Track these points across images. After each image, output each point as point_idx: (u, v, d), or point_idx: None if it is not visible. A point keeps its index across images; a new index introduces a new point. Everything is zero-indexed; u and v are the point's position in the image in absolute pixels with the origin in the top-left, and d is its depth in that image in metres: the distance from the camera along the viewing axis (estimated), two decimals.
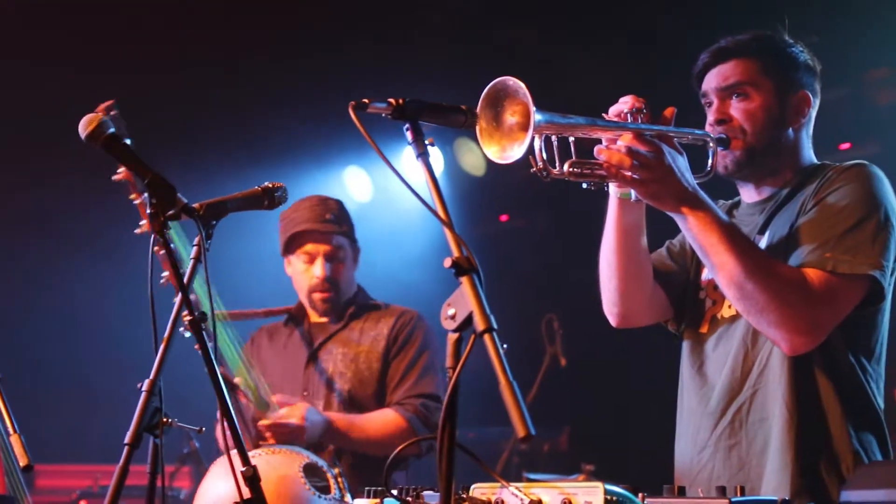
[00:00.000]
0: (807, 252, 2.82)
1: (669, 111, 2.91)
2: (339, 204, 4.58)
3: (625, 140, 2.77)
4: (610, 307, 3.18)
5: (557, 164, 2.75)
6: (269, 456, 3.72)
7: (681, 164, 2.82)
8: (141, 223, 3.74)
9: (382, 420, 4.26)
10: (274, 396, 4.14)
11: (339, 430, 4.18)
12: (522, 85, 2.51)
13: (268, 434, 4.03)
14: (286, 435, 4.02)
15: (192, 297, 3.65)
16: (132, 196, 3.77)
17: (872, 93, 6.32)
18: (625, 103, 2.87)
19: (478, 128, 2.52)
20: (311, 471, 3.71)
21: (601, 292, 3.19)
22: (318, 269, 4.42)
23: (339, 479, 3.81)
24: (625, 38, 6.41)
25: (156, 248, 3.64)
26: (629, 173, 2.77)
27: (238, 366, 4.16)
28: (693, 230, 2.83)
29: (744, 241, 2.83)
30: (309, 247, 4.45)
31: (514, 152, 2.55)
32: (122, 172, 3.75)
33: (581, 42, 6.54)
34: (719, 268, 2.80)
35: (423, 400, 4.32)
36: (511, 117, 2.57)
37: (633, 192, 2.90)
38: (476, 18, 6.64)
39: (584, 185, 2.85)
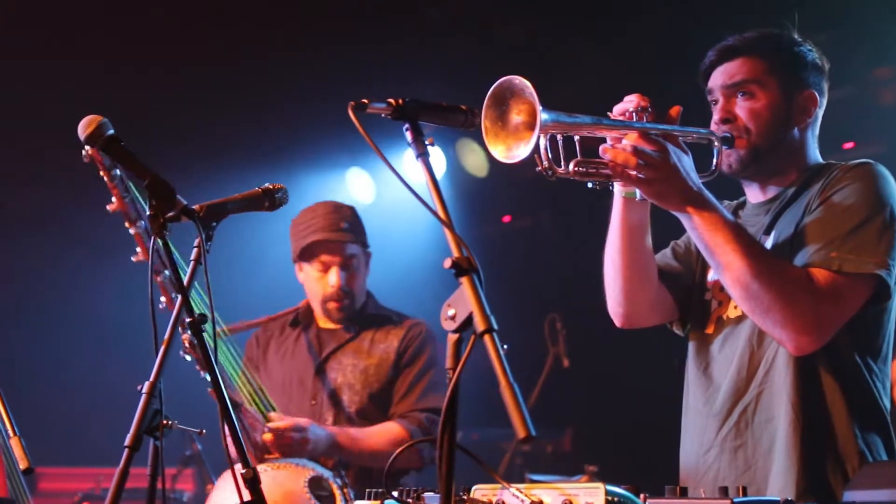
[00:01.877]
0: (812, 251, 2.80)
1: (675, 110, 2.90)
2: (353, 211, 4.56)
3: (630, 139, 2.76)
4: (614, 307, 3.17)
5: (563, 164, 2.75)
6: (274, 471, 3.71)
7: (686, 163, 2.81)
8: (137, 251, 3.73)
9: (386, 433, 4.24)
10: (273, 415, 4.10)
11: (342, 444, 4.15)
12: (528, 84, 2.51)
13: (272, 447, 4.01)
14: (290, 448, 4.00)
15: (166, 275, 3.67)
16: (127, 225, 3.76)
17: (877, 92, 6.31)
18: (630, 102, 2.86)
19: (483, 127, 2.52)
20: (316, 484, 3.70)
21: (606, 292, 3.18)
22: (334, 279, 4.41)
23: (345, 490, 3.80)
24: (629, 36, 6.40)
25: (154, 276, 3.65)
26: (634, 172, 2.76)
27: (241, 382, 4.14)
28: (698, 229, 2.82)
29: (749, 241, 2.81)
30: (324, 257, 4.43)
31: (520, 151, 2.55)
32: (114, 203, 3.72)
33: (585, 39, 6.54)
34: (724, 267, 2.79)
35: (427, 414, 4.30)
36: (517, 116, 2.56)
37: (637, 192, 2.89)
38: (478, 17, 6.63)
39: (590, 185, 2.85)
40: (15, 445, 2.66)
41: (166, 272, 3.71)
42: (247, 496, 2.42)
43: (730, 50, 3.08)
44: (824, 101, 3.10)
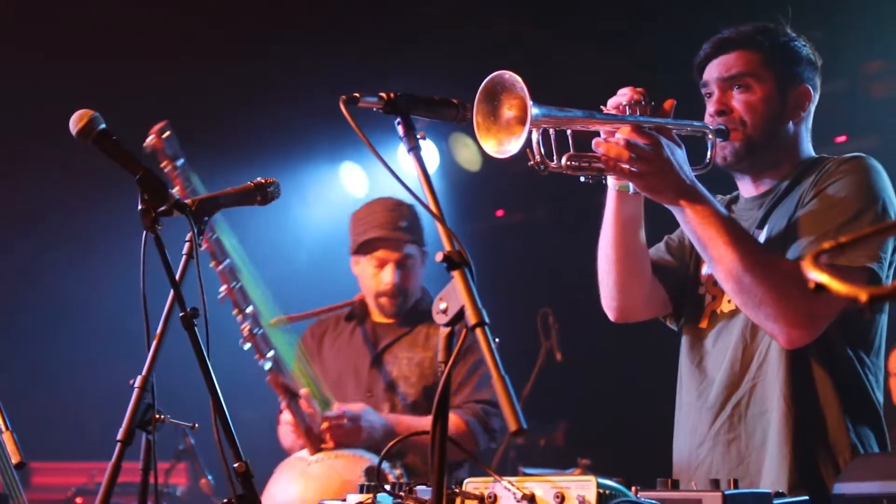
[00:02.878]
0: (804, 244, 2.81)
1: (669, 103, 2.90)
2: (412, 210, 4.57)
3: (623, 132, 2.76)
4: (608, 301, 3.17)
5: (555, 158, 2.75)
6: (330, 460, 3.73)
7: (679, 156, 2.81)
8: (174, 189, 3.76)
9: None
10: (335, 405, 4.12)
11: (399, 432, 4.15)
12: (519, 79, 2.51)
13: (327, 436, 4.02)
14: (344, 437, 4.01)
15: (250, 310, 3.72)
16: (163, 164, 3.82)
17: (869, 85, 6.32)
18: (623, 95, 2.86)
19: (475, 122, 2.52)
20: (373, 473, 3.71)
21: (599, 286, 3.18)
22: (388, 276, 4.43)
23: (402, 481, 3.81)
24: (625, 31, 6.40)
25: (213, 265, 3.70)
26: (627, 166, 2.76)
27: (299, 372, 4.16)
28: (691, 223, 2.82)
29: (742, 235, 2.82)
30: (380, 253, 4.45)
31: (512, 146, 2.55)
32: (153, 139, 3.80)
33: (580, 34, 6.53)
34: (717, 261, 2.79)
35: (482, 405, 4.32)
36: (508, 111, 2.56)
37: (631, 185, 2.90)
38: (473, 13, 6.62)
39: (582, 179, 2.85)
40: (7, 440, 2.66)
41: (227, 261, 3.76)
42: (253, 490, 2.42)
43: (726, 42, 3.08)
44: (817, 96, 3.11)
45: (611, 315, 3.21)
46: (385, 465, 3.83)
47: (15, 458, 2.64)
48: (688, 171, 2.83)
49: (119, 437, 2.39)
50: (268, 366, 3.91)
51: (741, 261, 2.75)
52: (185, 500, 6.41)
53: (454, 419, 4.26)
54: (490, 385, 4.30)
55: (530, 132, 2.56)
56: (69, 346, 7.08)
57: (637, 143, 2.75)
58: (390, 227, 4.44)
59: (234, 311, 3.91)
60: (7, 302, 6.99)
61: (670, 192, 2.81)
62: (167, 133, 3.81)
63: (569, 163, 2.77)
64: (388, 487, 2.33)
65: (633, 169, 2.77)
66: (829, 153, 3.08)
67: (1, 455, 3.01)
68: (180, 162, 3.81)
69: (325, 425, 4.01)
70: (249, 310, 3.90)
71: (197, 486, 6.24)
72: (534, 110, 2.52)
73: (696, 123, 2.99)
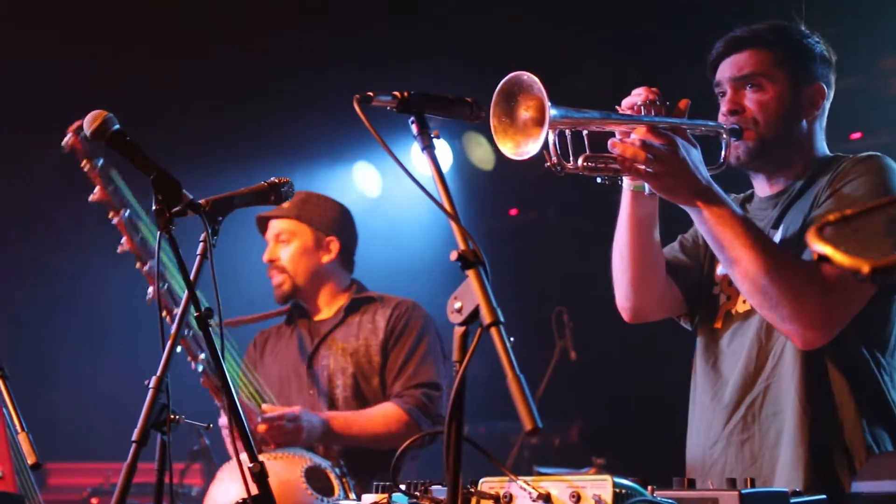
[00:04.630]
0: None
1: (683, 103, 2.90)
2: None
3: (638, 133, 2.75)
4: (623, 302, 3.17)
5: (571, 159, 2.74)
6: (270, 462, 3.72)
7: (695, 156, 2.80)
8: (122, 241, 3.77)
9: (383, 414, 4.24)
10: (266, 406, 4.11)
11: (337, 429, 4.16)
12: (537, 80, 2.50)
13: (267, 437, 4.02)
14: (284, 438, 4.01)
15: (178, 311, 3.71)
16: (111, 215, 3.79)
17: (885, 82, 6.29)
18: (638, 95, 2.85)
19: (491, 124, 2.52)
20: (313, 474, 3.69)
21: (614, 287, 3.18)
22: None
23: (344, 480, 3.80)
24: (636, 28, 6.38)
25: (138, 266, 3.66)
26: (643, 166, 2.75)
27: (238, 375, 4.16)
28: (707, 224, 2.81)
29: (758, 236, 2.80)
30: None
31: (530, 148, 2.54)
32: (96, 193, 3.76)
33: (591, 33, 6.52)
34: (733, 262, 2.78)
35: (423, 390, 4.29)
36: (525, 112, 2.56)
37: (646, 185, 2.89)
38: (488, 11, 6.61)
39: (598, 180, 2.84)
40: (23, 441, 2.66)
41: (150, 261, 3.73)
42: (254, 490, 2.42)
43: (738, 41, 3.07)
44: (832, 94, 3.09)
45: (625, 315, 3.20)
46: (327, 465, 3.82)
47: (31, 459, 2.64)
48: (703, 172, 2.82)
49: (134, 437, 2.39)
50: (200, 368, 3.88)
51: (758, 262, 2.73)
52: (199, 500, 6.41)
53: (393, 409, 4.25)
54: (430, 363, 4.33)
55: (548, 133, 2.56)
56: (84, 347, 7.10)
57: (653, 143, 2.74)
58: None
59: (163, 314, 3.79)
60: (23, 303, 7.01)
61: (686, 192, 2.80)
62: (83, 133, 3.77)
63: (585, 164, 2.76)
64: (402, 487, 2.32)
65: (648, 169, 2.76)
66: (845, 150, 3.07)
67: (17, 455, 3.02)
68: (99, 161, 3.74)
69: (263, 427, 4.00)
70: (176, 311, 3.88)
71: None
72: (552, 112, 2.52)
73: (710, 123, 2.98)
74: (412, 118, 2.21)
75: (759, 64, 3.02)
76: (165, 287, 3.78)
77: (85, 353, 7.10)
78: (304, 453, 3.84)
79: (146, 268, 3.81)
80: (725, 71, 3.07)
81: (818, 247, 1.29)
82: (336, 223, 4.62)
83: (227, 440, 4.24)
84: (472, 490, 2.18)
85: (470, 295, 1.91)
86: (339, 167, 7.67)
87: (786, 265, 2.75)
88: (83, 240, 6.93)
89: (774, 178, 3.10)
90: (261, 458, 3.75)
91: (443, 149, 7.32)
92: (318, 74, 6.77)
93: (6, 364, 2.79)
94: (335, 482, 3.74)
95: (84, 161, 3.75)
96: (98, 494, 6.29)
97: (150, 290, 3.81)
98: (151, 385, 2.43)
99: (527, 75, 2.52)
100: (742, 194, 3.23)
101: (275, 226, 4.57)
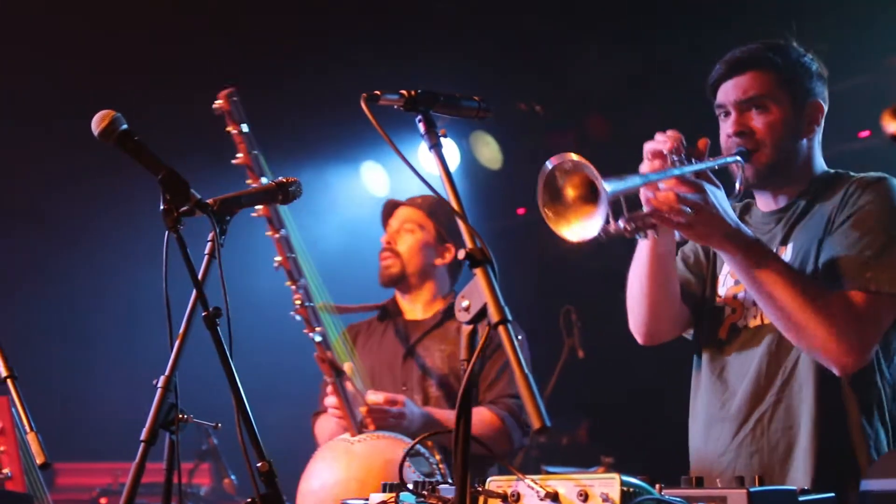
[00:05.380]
0: (846, 274, 2.84)
1: (703, 143, 2.94)
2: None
3: (668, 185, 2.78)
4: (639, 327, 3.22)
5: (611, 221, 2.73)
6: (374, 441, 3.79)
7: (721, 199, 2.85)
8: (238, 155, 3.86)
9: (478, 417, 4.24)
10: (370, 391, 4.15)
11: (437, 423, 4.17)
12: (586, 162, 2.52)
13: (368, 420, 4.04)
14: (387, 421, 4.03)
15: (302, 283, 3.78)
16: (228, 128, 3.88)
17: (892, 80, 6.28)
18: (663, 143, 2.87)
19: (544, 214, 2.56)
20: (414, 456, 3.75)
21: (628, 312, 3.22)
22: None
23: (441, 466, 3.85)
24: (639, 28, 6.37)
25: (269, 233, 3.70)
26: (678, 219, 2.78)
27: (345, 355, 4.20)
28: (741, 266, 2.86)
29: (791, 273, 2.85)
30: None
31: (590, 229, 2.57)
32: (240, 157, 3.88)
33: (597, 31, 6.51)
34: (767, 300, 2.84)
35: (515, 400, 4.32)
36: (571, 191, 2.58)
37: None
38: (493, 10, 6.61)
39: (638, 237, 2.88)
40: (32, 440, 2.66)
41: (283, 230, 3.81)
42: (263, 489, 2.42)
43: (739, 63, 3.09)
44: (826, 109, 3.11)
45: (639, 339, 3.27)
46: (425, 451, 3.86)
47: (40, 459, 2.64)
48: (731, 214, 2.87)
49: (142, 437, 2.39)
50: (318, 339, 3.95)
51: (794, 300, 2.79)
52: (208, 500, 6.43)
53: (489, 415, 4.29)
54: None
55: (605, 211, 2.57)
56: (93, 347, 7.12)
57: (686, 195, 2.78)
58: None
59: (288, 282, 3.94)
60: (30, 303, 7.02)
61: (719, 237, 2.85)
62: (235, 98, 3.86)
63: (626, 226, 2.78)
64: (410, 486, 2.32)
65: (681, 221, 2.79)
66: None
67: (26, 455, 3.02)
68: (245, 127, 3.87)
69: (366, 409, 4.03)
70: (302, 282, 3.93)
71: (220, 486, 6.27)
72: (608, 187, 2.53)
73: (728, 159, 3.02)
74: (419, 117, 2.21)
75: (763, 86, 3.05)
76: (293, 257, 3.90)
77: (92, 353, 7.12)
78: (404, 438, 3.88)
79: (277, 235, 3.89)
80: (730, 94, 3.09)
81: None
82: (459, 234, 4.65)
83: (322, 430, 4.28)
84: (480, 489, 2.18)
85: (478, 293, 1.91)
86: (347, 167, 7.67)
87: (819, 299, 2.81)
88: (94, 240, 6.97)
89: (779, 195, 3.14)
90: (363, 436, 3.82)
91: (450, 148, 7.31)
92: (325, 74, 6.77)
93: (15, 364, 2.79)
94: (433, 467, 3.79)
95: (231, 125, 3.86)
96: (107, 494, 6.31)
97: (278, 258, 3.89)
98: (160, 384, 2.43)
99: (575, 158, 2.55)
100: (740, 203, 3.25)
101: (404, 213, 4.64)
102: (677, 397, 3.44)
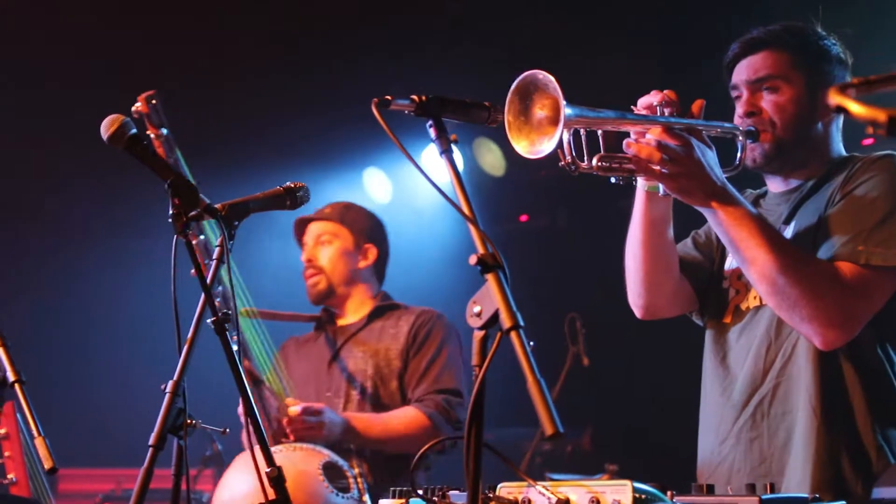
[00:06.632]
0: (838, 245, 2.78)
1: (697, 104, 2.89)
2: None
3: (654, 133, 2.75)
4: (635, 299, 3.16)
5: (586, 158, 2.73)
6: (289, 452, 3.77)
7: (710, 158, 2.80)
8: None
9: (404, 418, 4.26)
10: (288, 400, 4.14)
11: (358, 428, 4.18)
12: (552, 78, 2.50)
13: (288, 430, 4.04)
14: (306, 432, 4.03)
15: (220, 290, 3.74)
16: (148, 131, 3.86)
17: None
18: (655, 96, 2.85)
19: (506, 122, 2.50)
20: (330, 469, 3.72)
21: (627, 284, 3.17)
22: None
23: (359, 480, 3.81)
24: (651, 29, 6.37)
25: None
26: (658, 167, 2.75)
27: (266, 363, 4.19)
28: (722, 225, 2.80)
29: (775, 236, 2.79)
30: None
31: (545, 147, 2.54)
32: (140, 104, 3.85)
33: (609, 32, 6.51)
34: (750, 263, 2.77)
35: (444, 395, 4.32)
36: (540, 111, 2.55)
37: (661, 186, 2.88)
38: (502, 13, 6.60)
39: (612, 180, 2.83)
40: (40, 446, 2.66)
41: (202, 236, 3.80)
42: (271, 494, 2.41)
43: (754, 43, 3.06)
44: None
45: (637, 312, 3.20)
46: (344, 464, 3.84)
47: (47, 464, 2.64)
48: (718, 173, 2.81)
49: (151, 441, 2.39)
50: (234, 347, 3.92)
51: (775, 262, 2.72)
52: None
53: (414, 413, 4.28)
54: (451, 371, 4.38)
55: (562, 132, 2.55)
56: (99, 352, 7.11)
57: (668, 144, 2.73)
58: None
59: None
60: (36, 308, 7.02)
61: (701, 193, 2.79)
62: (154, 101, 3.85)
63: (600, 163, 2.75)
64: (420, 492, 2.31)
65: (664, 170, 2.75)
66: (861, 151, 3.06)
67: (31, 461, 3.02)
68: (165, 131, 3.87)
69: (286, 419, 4.04)
70: (219, 290, 3.90)
71: None
72: (567, 110, 2.51)
73: (726, 125, 2.97)
74: (430, 122, 2.20)
75: (775, 66, 3.01)
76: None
77: (99, 359, 7.11)
78: (322, 449, 3.86)
79: (195, 241, 3.87)
80: (742, 73, 3.06)
81: (836, 99, 1.27)
82: (375, 232, 4.73)
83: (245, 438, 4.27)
84: (491, 495, 2.17)
85: (489, 299, 1.90)
86: (350, 173, 7.66)
87: (803, 265, 2.74)
88: (100, 244, 6.96)
89: (790, 178, 3.09)
90: (280, 447, 3.81)
91: (455, 154, 7.30)
92: (327, 79, 6.78)
93: (22, 369, 2.79)
94: (351, 480, 3.76)
95: (150, 128, 3.85)
96: (109, 500, 6.29)
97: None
98: (168, 389, 2.43)
99: (542, 74, 2.51)
100: (756, 191, 3.23)
101: (316, 227, 4.65)
102: (682, 405, 3.42)
